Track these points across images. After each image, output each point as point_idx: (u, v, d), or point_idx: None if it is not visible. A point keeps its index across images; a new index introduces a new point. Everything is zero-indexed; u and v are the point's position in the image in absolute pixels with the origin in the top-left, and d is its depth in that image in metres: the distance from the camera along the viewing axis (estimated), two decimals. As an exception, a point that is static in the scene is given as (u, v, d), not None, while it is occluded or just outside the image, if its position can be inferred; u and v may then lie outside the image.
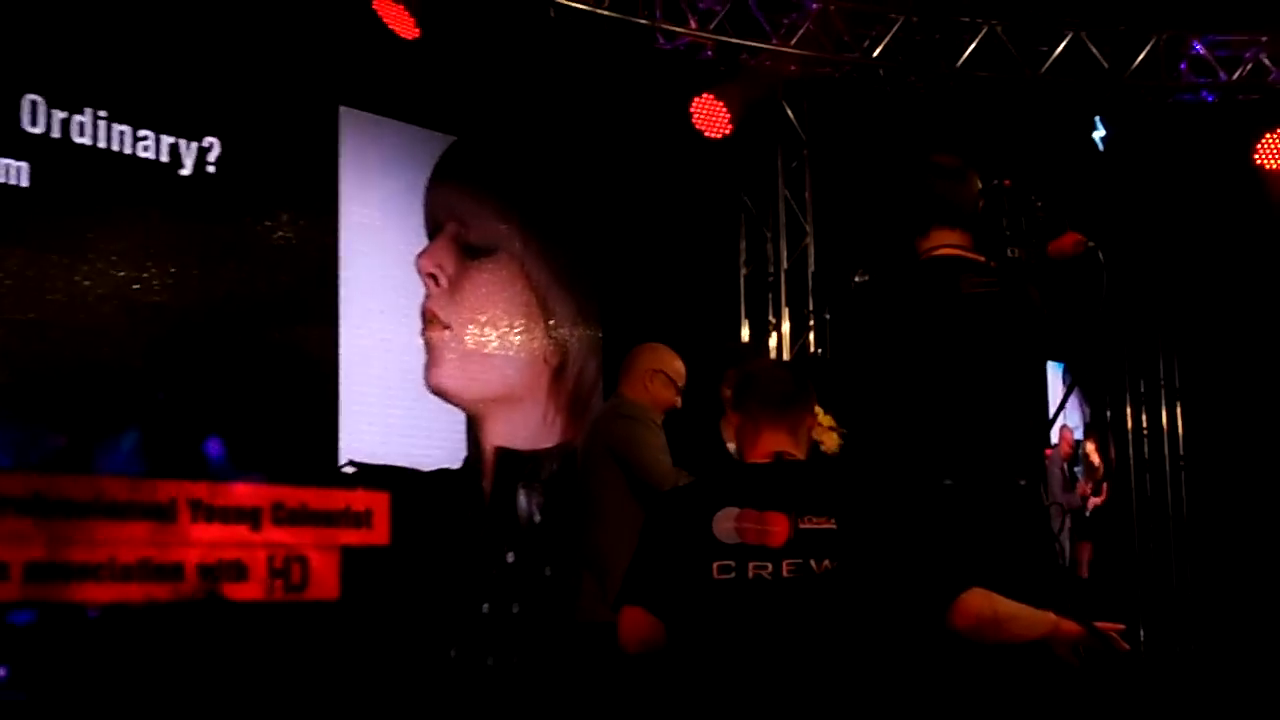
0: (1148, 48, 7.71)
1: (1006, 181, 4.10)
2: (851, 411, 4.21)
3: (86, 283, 6.06)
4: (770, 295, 8.30)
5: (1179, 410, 8.78)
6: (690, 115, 7.29)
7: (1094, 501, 8.97)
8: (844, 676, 3.04)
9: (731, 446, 5.50)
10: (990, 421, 3.88)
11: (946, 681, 3.37)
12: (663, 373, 5.21)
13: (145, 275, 6.24)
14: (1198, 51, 7.77)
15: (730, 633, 3.13)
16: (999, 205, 4.08)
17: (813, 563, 3.10)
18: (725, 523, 3.16)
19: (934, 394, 3.90)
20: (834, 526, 3.12)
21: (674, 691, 3.29)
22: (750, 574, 3.12)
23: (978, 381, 3.89)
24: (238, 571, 6.28)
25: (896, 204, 4.13)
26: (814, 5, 7.48)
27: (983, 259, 3.98)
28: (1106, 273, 4.10)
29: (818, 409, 3.67)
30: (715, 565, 3.13)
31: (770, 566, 3.12)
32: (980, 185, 4.05)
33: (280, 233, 6.73)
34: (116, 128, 6.20)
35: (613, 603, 3.48)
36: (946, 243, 3.98)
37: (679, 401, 5.22)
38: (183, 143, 6.40)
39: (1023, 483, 3.88)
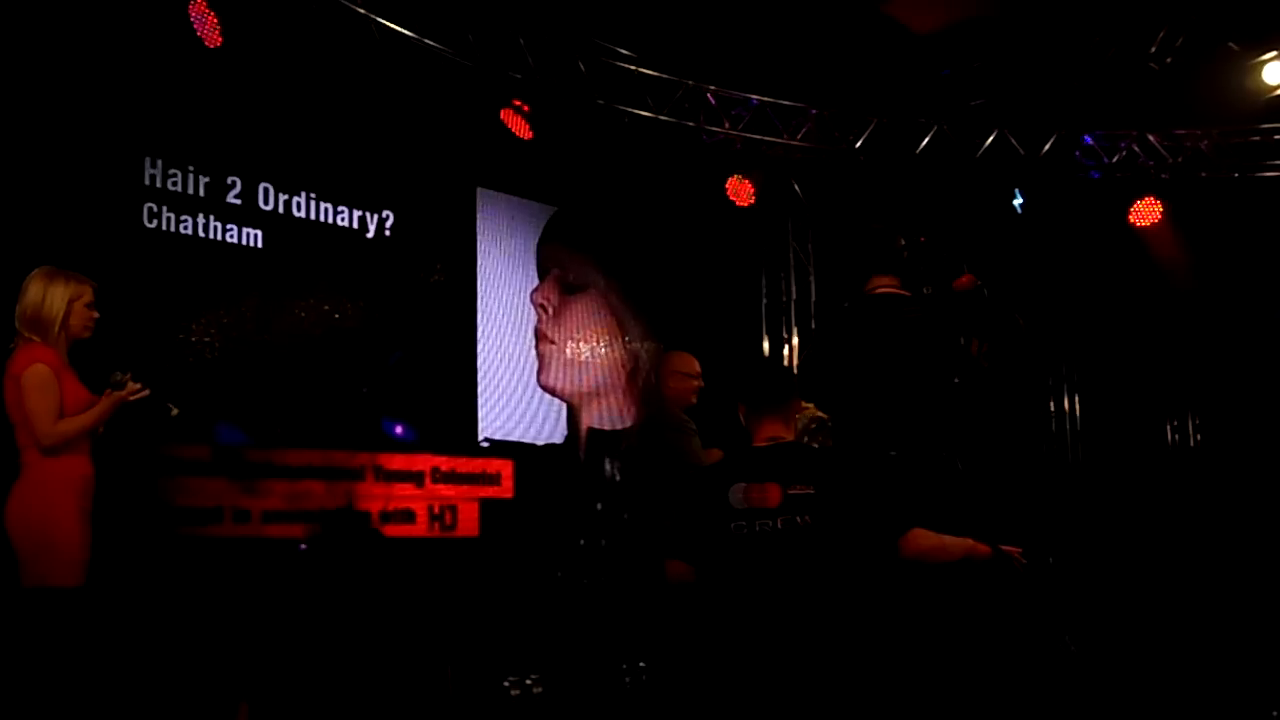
0: (1052, 140, 7.68)
1: (923, 239, 4.13)
2: (831, 402, 4.13)
3: (302, 314, 6.12)
4: (783, 318, 8.25)
5: (1076, 398, 8.72)
6: (725, 190, 7.32)
7: None
8: (822, 594, 3.08)
9: None
10: (921, 411, 3.86)
11: (895, 595, 3.32)
12: (678, 372, 5.25)
13: (343, 309, 6.29)
14: (1087, 142, 7.74)
15: (746, 569, 3.19)
16: (919, 255, 4.10)
17: (797, 518, 3.17)
18: (737, 494, 3.23)
19: (882, 390, 3.88)
20: (812, 492, 3.19)
21: (708, 612, 3.34)
22: (757, 528, 3.19)
23: (912, 382, 3.87)
24: (406, 516, 6.27)
25: (846, 257, 4.18)
26: (813, 111, 7.47)
27: (909, 294, 4.00)
28: (990, 303, 4.12)
29: (803, 402, 3.75)
30: (732, 524, 3.22)
31: (770, 522, 3.18)
32: (904, 243, 4.05)
33: (435, 277, 6.76)
34: (323, 204, 6.24)
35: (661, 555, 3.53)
36: (884, 284, 3.98)
37: (695, 385, 5.23)
38: (368, 214, 6.43)
39: (944, 454, 3.84)
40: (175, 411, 3.78)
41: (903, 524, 3.20)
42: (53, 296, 3.61)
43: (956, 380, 3.86)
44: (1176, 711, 4.62)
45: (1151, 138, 7.69)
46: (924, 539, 3.16)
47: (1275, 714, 4.69)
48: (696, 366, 5.29)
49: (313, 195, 6.19)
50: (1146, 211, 7.54)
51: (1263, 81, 6.55)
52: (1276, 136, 7.61)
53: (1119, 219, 7.59)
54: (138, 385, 3.69)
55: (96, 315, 3.75)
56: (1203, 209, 7.68)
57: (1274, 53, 6.43)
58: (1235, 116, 7.33)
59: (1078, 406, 8.69)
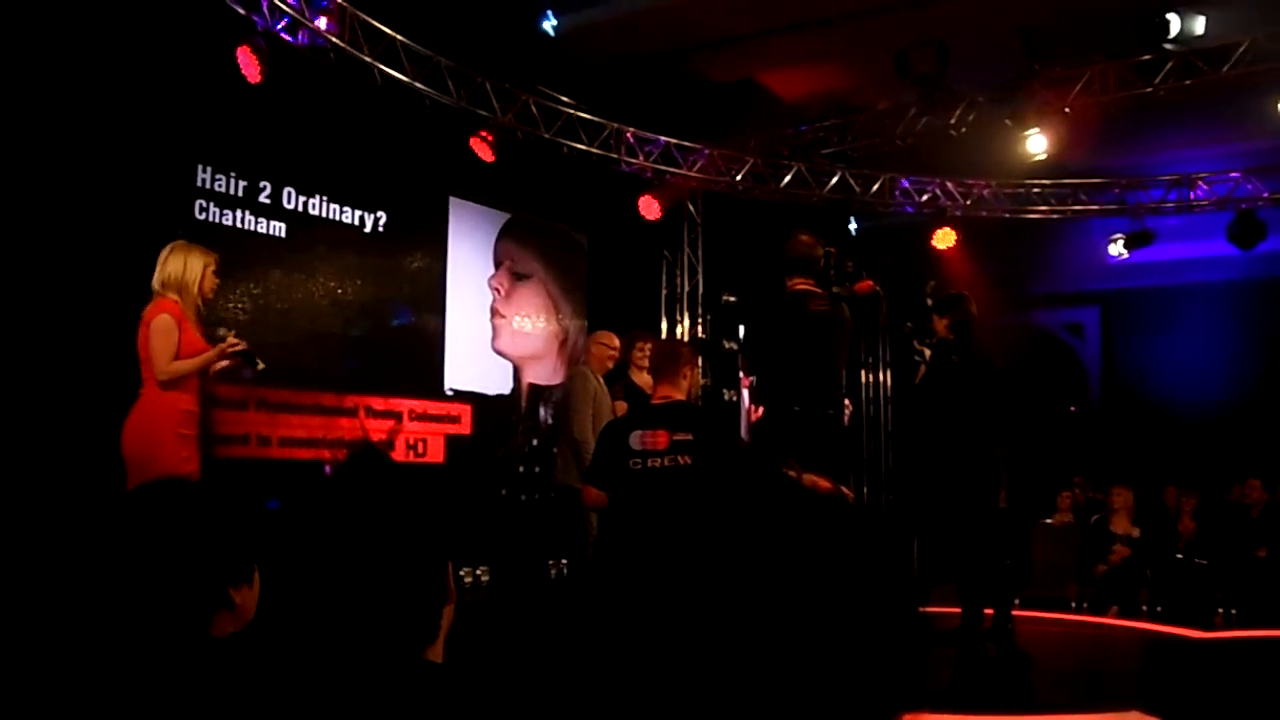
0: (879, 182, 7.75)
1: (833, 250, 4.14)
2: (748, 368, 4.00)
3: (314, 290, 6.09)
4: (677, 305, 8.17)
5: (888, 373, 8.80)
6: (638, 206, 7.25)
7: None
8: (695, 516, 3.25)
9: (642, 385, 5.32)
10: (822, 377, 3.86)
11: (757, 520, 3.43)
12: (600, 343, 5.13)
13: (345, 285, 6.26)
14: (904, 185, 7.82)
15: (640, 495, 3.18)
16: (828, 263, 4.07)
17: (679, 458, 3.16)
18: (636, 438, 3.21)
19: (794, 361, 3.85)
20: (691, 438, 3.18)
21: (612, 525, 3.37)
22: (649, 465, 3.17)
23: (816, 356, 3.86)
24: (388, 447, 6.20)
25: (776, 259, 4.02)
26: (706, 150, 7.44)
27: (821, 292, 3.95)
28: (885, 304, 4.26)
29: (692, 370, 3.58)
30: (631, 461, 3.19)
31: (660, 460, 3.16)
32: (822, 251, 4.03)
33: (416, 264, 6.72)
34: (332, 205, 6.19)
35: (583, 480, 3.51)
36: (802, 283, 3.94)
37: (612, 355, 5.08)
38: (366, 214, 6.36)
39: (831, 412, 3.89)
40: (261, 366, 3.67)
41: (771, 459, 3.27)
42: (192, 263, 3.49)
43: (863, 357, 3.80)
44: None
45: (950, 184, 7.83)
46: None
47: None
48: (616, 341, 5.19)
49: (325, 197, 6.13)
50: (944, 237, 7.66)
51: (1027, 150, 6.71)
52: (1035, 189, 7.85)
53: (924, 242, 7.72)
54: (237, 340, 3.60)
55: (219, 281, 3.63)
56: (984, 237, 7.87)
57: (1035, 129, 6.57)
58: (1009, 172, 7.48)
59: (888, 378, 8.92)
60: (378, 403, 6.30)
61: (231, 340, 3.58)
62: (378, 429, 6.17)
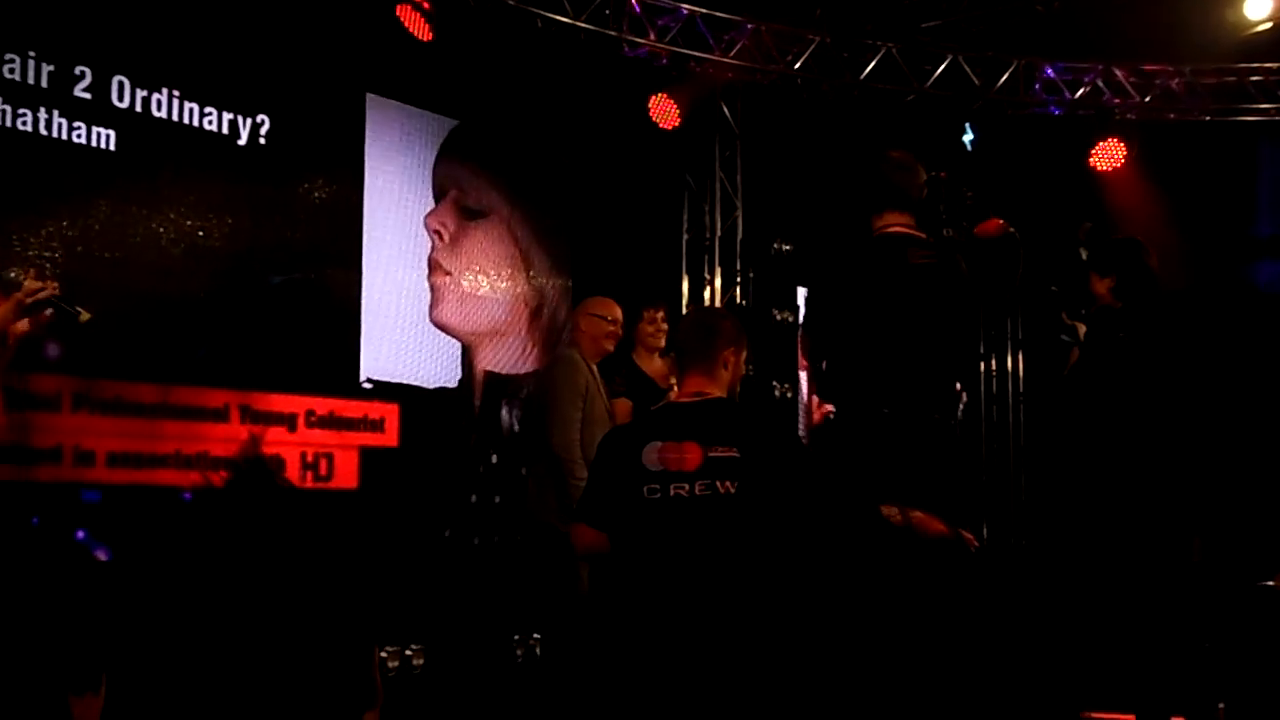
0: (1009, 70, 7.80)
1: (943, 174, 4.13)
2: (814, 351, 4.09)
3: (160, 229, 6.00)
4: (705, 256, 8.24)
5: (1020, 357, 8.90)
6: (648, 110, 7.30)
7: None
8: (743, 574, 3.05)
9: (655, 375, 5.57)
10: (923, 367, 3.88)
11: (827, 578, 3.29)
12: (592, 315, 5.26)
13: (207, 225, 6.18)
14: (1049, 75, 7.87)
15: (657, 540, 3.14)
16: (937, 193, 4.09)
17: (718, 484, 3.10)
18: (651, 454, 3.17)
19: (883, 342, 3.88)
20: (737, 455, 3.12)
21: (613, 586, 3.35)
22: (671, 494, 3.12)
23: (916, 335, 3.88)
24: (276, 464, 6.16)
25: (855, 189, 4.07)
26: (749, 25, 7.48)
27: (925, 236, 3.98)
28: (1023, 252, 4.15)
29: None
30: (645, 487, 3.15)
31: (689, 487, 3.11)
32: (925, 177, 4.04)
33: (316, 194, 6.68)
34: (187, 104, 6.10)
35: (569, 517, 3.54)
36: (896, 223, 3.97)
37: (611, 332, 5.25)
38: (240, 118, 6.30)
39: (937, 416, 3.87)
40: (86, 316, 3.59)
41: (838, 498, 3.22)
42: None
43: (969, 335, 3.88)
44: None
45: (1118, 71, 7.81)
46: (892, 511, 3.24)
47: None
48: (616, 311, 5.30)
49: (176, 93, 6.07)
50: (1110, 154, 7.64)
51: (1242, 14, 6.67)
52: (1252, 78, 7.79)
53: (1079, 161, 7.71)
54: (38, 284, 3.49)
55: None
56: (1170, 153, 7.81)
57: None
58: (1210, 55, 7.48)
59: (1020, 365, 8.87)
60: (258, 400, 6.28)
61: (32, 285, 3.45)
62: (262, 441, 6.11)
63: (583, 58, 7.14)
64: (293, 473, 6.33)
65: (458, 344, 7.37)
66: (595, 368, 5.20)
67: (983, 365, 8.86)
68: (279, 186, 6.51)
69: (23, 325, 3.47)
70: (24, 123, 5.51)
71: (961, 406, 4.15)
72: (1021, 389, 8.92)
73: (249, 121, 6.37)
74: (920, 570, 3.38)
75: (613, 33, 7.11)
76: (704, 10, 7.35)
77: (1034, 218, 6.20)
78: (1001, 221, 4.21)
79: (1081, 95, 7.88)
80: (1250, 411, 6.54)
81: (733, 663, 2.97)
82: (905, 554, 3.34)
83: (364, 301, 6.84)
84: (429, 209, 7.27)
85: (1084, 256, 4.87)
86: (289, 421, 6.41)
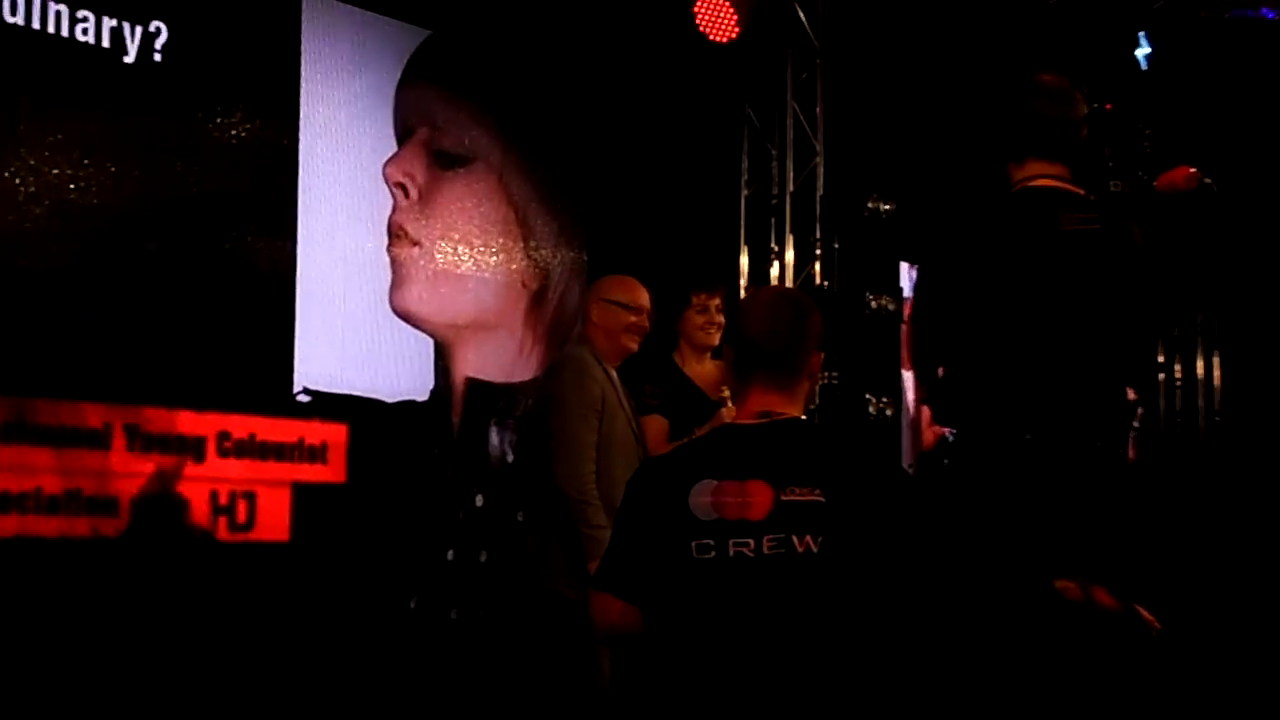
0: None
1: (1109, 105, 4.13)
2: (924, 352, 4.21)
3: (15, 180, 5.92)
4: (773, 220, 8.32)
5: (1216, 360, 8.90)
6: (694, 16, 7.32)
7: None
8: (834, 666, 3.05)
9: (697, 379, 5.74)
10: (1079, 374, 3.96)
11: (933, 675, 3.41)
12: (613, 302, 5.39)
13: (81, 174, 6.13)
14: None
15: (711, 617, 3.17)
16: (1101, 133, 4.14)
17: (795, 539, 3.10)
18: (702, 497, 3.20)
19: (1022, 341, 3.96)
20: (822, 499, 3.14)
21: (654, 681, 3.35)
22: (731, 553, 3.14)
23: (1070, 329, 3.96)
24: (184, 508, 6.28)
25: (989, 127, 4.19)
26: None
27: (1083, 192, 4.06)
28: (1224, 213, 4.19)
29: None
30: (693, 543, 3.17)
31: (753, 544, 3.14)
32: (1086, 110, 4.12)
33: (234, 131, 6.63)
34: (52, 6, 6.02)
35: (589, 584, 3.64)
36: (1044, 173, 4.07)
37: (634, 324, 5.40)
38: (126, 26, 6.22)
39: (1099, 444, 3.92)
40: None
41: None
42: None
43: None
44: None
45: None
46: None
47: None
48: (640, 295, 5.39)
49: None
50: None
51: None
52: None
53: None
54: None
55: None
56: None
57: None
58: None
59: (1216, 372, 8.98)
60: (151, 418, 6.25)
61: None
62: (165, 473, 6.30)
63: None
64: (200, 517, 6.38)
65: (429, 340, 7.42)
66: (615, 374, 5.33)
67: (1170, 370, 8.94)
68: (181, 121, 6.45)
69: None
70: None
71: (1134, 429, 4.28)
72: (1217, 404, 9.01)
73: (139, 31, 6.29)
74: (1094, 663, 3.55)
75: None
76: None
77: (1239, 164, 6.02)
78: (1193, 170, 4.37)
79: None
80: None
81: None
82: (1080, 642, 3.51)
83: (299, 281, 6.82)
84: (390, 154, 7.29)
85: None
86: (194, 448, 6.37)
